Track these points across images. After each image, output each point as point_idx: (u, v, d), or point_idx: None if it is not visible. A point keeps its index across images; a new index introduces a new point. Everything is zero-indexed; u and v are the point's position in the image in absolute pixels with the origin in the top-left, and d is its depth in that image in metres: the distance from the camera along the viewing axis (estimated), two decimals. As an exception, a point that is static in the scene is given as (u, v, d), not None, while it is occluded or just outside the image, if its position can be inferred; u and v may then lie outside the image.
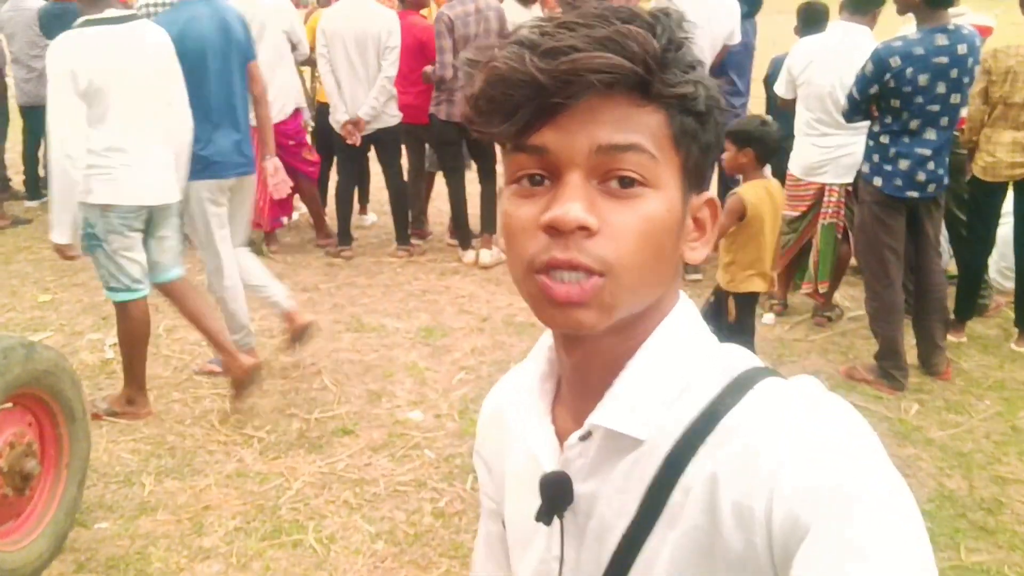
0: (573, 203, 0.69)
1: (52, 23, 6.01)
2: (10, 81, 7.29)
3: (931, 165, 3.83)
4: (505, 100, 0.70)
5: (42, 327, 4.88)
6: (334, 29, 5.54)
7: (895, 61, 3.71)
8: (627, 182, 0.70)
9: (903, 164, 3.84)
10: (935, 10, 3.72)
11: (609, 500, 0.77)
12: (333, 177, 6.47)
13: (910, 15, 3.94)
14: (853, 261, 5.06)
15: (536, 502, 0.82)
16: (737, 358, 0.78)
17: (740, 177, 3.90)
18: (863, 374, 4.23)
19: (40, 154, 7.34)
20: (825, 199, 4.64)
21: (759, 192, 3.63)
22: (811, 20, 5.20)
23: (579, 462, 0.79)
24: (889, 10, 4.46)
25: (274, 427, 3.87)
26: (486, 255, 5.90)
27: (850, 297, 5.28)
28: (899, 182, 3.87)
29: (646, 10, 0.72)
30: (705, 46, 5.04)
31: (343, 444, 3.74)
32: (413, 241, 6.23)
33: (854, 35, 4.45)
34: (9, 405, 2.84)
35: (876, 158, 3.93)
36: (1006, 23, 6.96)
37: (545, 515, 0.80)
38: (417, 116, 5.81)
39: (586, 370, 0.79)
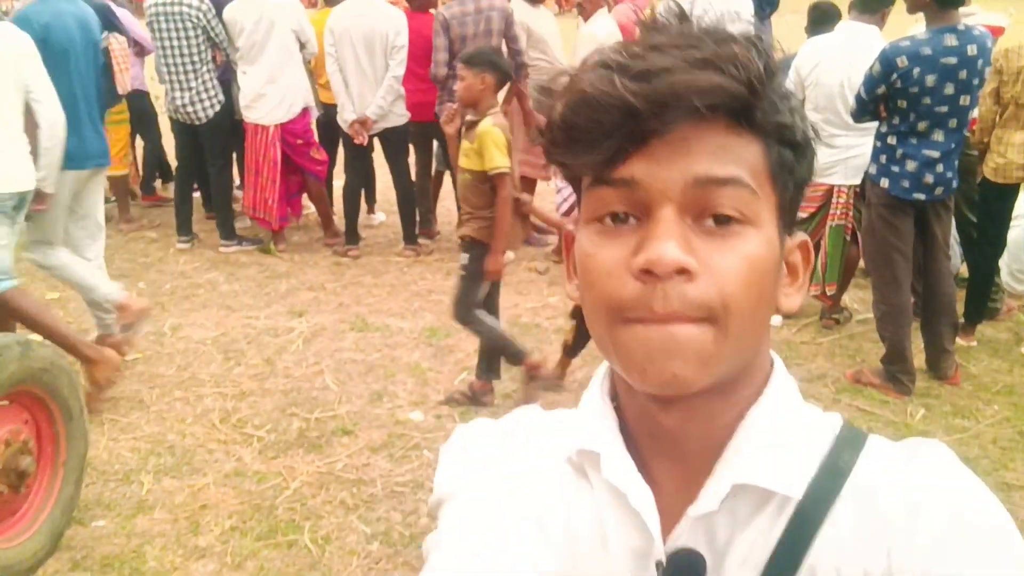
0: (668, 242, 0.62)
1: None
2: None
3: (939, 167, 3.77)
4: (591, 127, 0.64)
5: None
6: (342, 28, 5.54)
7: (902, 61, 3.66)
8: (724, 219, 0.64)
9: (910, 166, 3.79)
10: (945, 10, 3.66)
11: (735, 572, 0.69)
12: (338, 176, 6.49)
13: (920, 15, 3.89)
14: (862, 263, 5.02)
15: (628, 571, 0.72)
16: (821, 413, 0.75)
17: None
18: (870, 378, 4.18)
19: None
20: (834, 200, 4.59)
21: None
22: (820, 20, 5.14)
23: (692, 531, 0.69)
24: (899, 9, 4.41)
25: (274, 426, 3.87)
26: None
27: (858, 300, 5.23)
28: (906, 184, 3.82)
29: (739, 33, 0.66)
30: None
31: (342, 444, 3.73)
32: (420, 240, 6.22)
33: (862, 35, 4.39)
34: (5, 403, 2.84)
35: (883, 159, 3.88)
36: (1019, 22, 6.88)
37: None
38: (426, 114, 5.80)
39: (685, 433, 0.70)
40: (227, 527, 3.17)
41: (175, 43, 5.75)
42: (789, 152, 0.67)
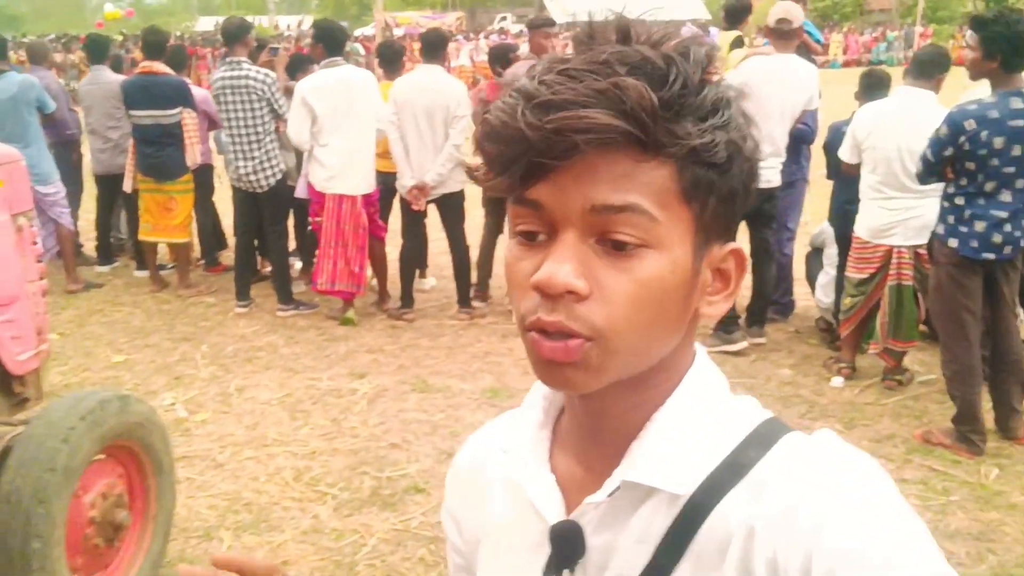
0: (562, 265, 0.66)
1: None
2: (85, 150, 7.62)
3: (1008, 227, 3.82)
4: (499, 154, 0.68)
5: (117, 387, 4.99)
6: (404, 99, 5.71)
7: (970, 124, 3.74)
8: (620, 245, 0.67)
9: (979, 226, 3.83)
10: (1010, 74, 3.75)
11: (626, 552, 0.74)
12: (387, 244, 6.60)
13: (981, 81, 3.98)
14: (922, 327, 5.02)
15: (533, 558, 0.79)
16: (750, 408, 0.78)
17: None
18: (940, 438, 4.16)
19: (112, 221, 7.64)
20: (894, 260, 4.63)
21: None
22: (873, 86, 5.25)
23: (591, 514, 0.76)
24: (953, 76, 4.50)
25: (346, 484, 3.91)
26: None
27: (919, 361, 5.21)
28: (975, 244, 3.86)
29: (661, 51, 0.67)
30: (774, 111, 5.10)
31: (416, 502, 3.76)
32: (475, 304, 6.30)
33: (918, 99, 4.49)
34: (102, 456, 2.91)
35: (951, 219, 3.93)
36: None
37: (555, 569, 0.77)
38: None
39: (602, 424, 0.77)
40: (310, 583, 3.19)
41: (240, 114, 5.96)
42: (707, 171, 0.68)
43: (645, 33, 0.69)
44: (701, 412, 0.75)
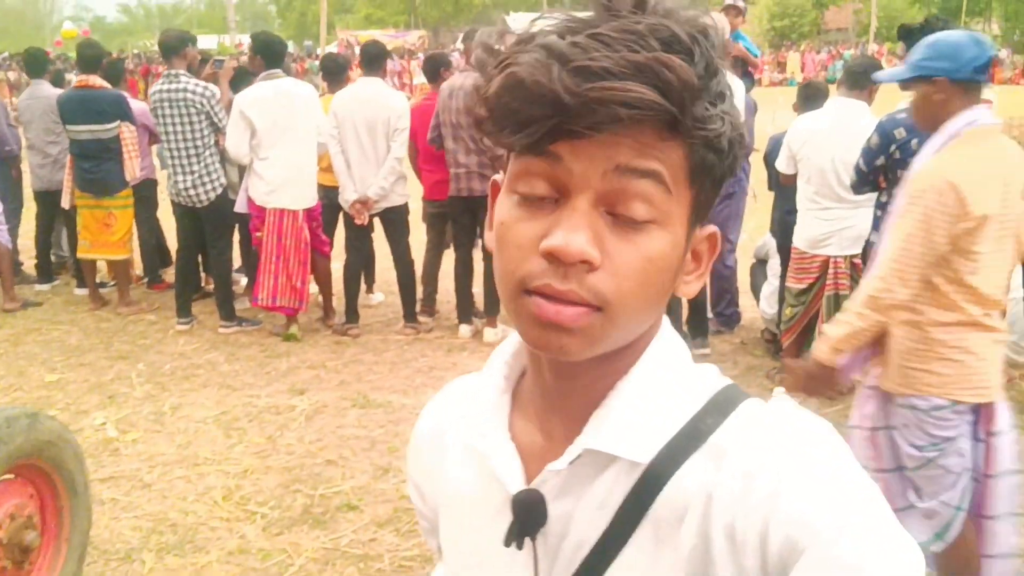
0: (578, 233, 0.65)
1: None
2: (24, 166, 7.47)
3: (939, 234, 3.84)
4: (521, 111, 0.65)
5: (47, 406, 4.85)
6: (345, 112, 5.66)
7: (900, 132, 3.77)
8: (633, 220, 0.67)
9: (912, 234, 3.85)
10: (939, 83, 3.79)
11: (587, 519, 0.75)
12: (334, 258, 6.53)
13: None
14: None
15: (493, 526, 0.79)
16: (711, 376, 0.78)
17: None
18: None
19: (52, 239, 7.48)
20: (830, 271, 4.66)
21: None
22: (811, 97, 5.29)
23: (553, 481, 0.76)
24: (891, 88, 4.53)
25: (277, 503, 3.82)
26: (491, 334, 5.88)
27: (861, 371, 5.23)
28: (908, 251, 3.88)
29: (686, 28, 0.66)
30: None
31: (348, 519, 3.68)
32: (421, 319, 6.24)
33: (850, 110, 4.53)
34: (10, 476, 2.81)
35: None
36: (1004, 100, 7.09)
37: (517, 537, 0.76)
38: (442, 193, 5.89)
39: (569, 391, 0.77)
40: (232, 604, 3.10)
41: (179, 128, 5.87)
42: (713, 155, 0.69)
43: (660, 3, 0.67)
44: (663, 381, 0.76)
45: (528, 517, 0.76)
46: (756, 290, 5.94)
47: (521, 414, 0.82)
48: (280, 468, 4.15)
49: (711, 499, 0.69)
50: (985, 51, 2.55)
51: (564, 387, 0.77)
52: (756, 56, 6.93)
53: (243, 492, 3.92)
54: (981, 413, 2.58)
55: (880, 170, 3.92)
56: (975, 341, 2.50)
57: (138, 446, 4.40)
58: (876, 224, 4.04)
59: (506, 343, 0.85)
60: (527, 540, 0.76)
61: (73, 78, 7.61)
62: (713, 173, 0.71)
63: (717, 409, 0.74)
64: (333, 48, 33.88)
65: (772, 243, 5.61)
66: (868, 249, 4.19)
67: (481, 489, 0.82)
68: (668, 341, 0.78)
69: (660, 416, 0.74)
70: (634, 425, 0.73)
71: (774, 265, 5.59)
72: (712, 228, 0.77)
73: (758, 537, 0.65)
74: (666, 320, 0.79)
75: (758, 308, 5.88)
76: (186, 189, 5.96)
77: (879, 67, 4.68)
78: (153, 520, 3.69)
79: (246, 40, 46.00)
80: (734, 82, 5.36)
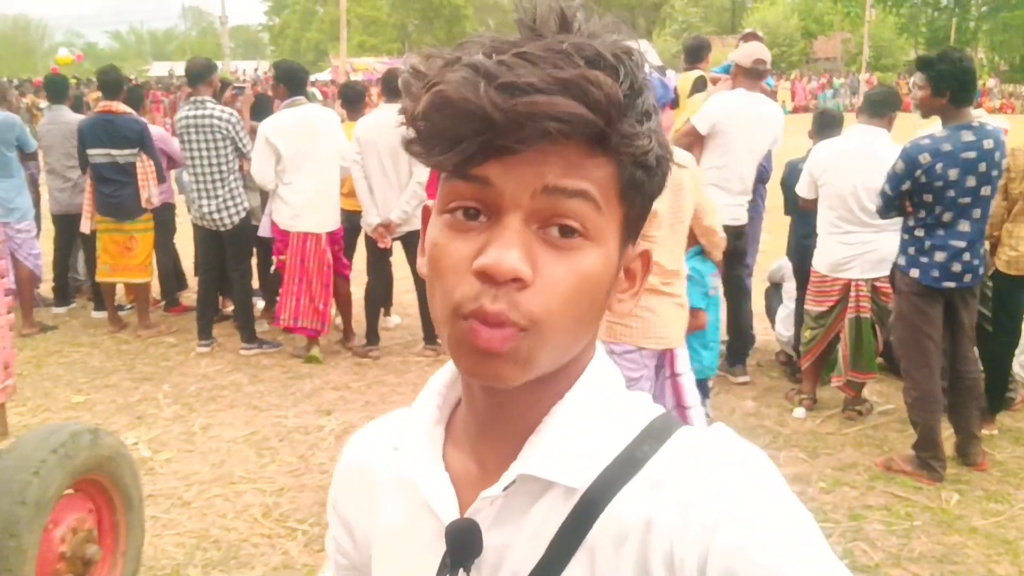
0: (510, 251, 0.65)
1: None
2: (43, 190, 7.52)
3: (966, 256, 3.96)
4: (449, 129, 0.65)
5: (77, 426, 4.88)
6: (368, 137, 5.76)
7: (925, 158, 3.89)
8: (568, 232, 0.67)
9: (939, 256, 3.97)
10: (959, 109, 3.92)
11: (522, 548, 0.74)
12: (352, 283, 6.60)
13: (932, 119, 4.15)
14: (879, 359, 5.14)
15: (427, 558, 0.78)
16: (645, 403, 0.79)
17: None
18: (901, 465, 4.25)
19: (70, 262, 7.53)
20: (852, 294, 4.76)
21: None
22: (826, 125, 5.43)
23: (487, 510, 0.74)
24: (900, 120, 4.67)
25: (316, 520, 3.87)
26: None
27: (877, 392, 5.34)
28: (936, 273, 4.00)
29: (610, 48, 0.66)
30: (742, 150, 5.22)
31: (388, 537, 3.72)
32: (440, 340, 6.28)
33: (872, 137, 4.65)
34: (72, 491, 2.86)
35: (912, 251, 4.06)
36: (1019, 129, 7.24)
37: (451, 569, 0.75)
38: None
39: (503, 418, 0.76)
40: (283, 619, 3.15)
41: (204, 152, 5.95)
42: (642, 172, 0.69)
43: (584, 25, 0.68)
44: (598, 407, 0.75)
45: (462, 547, 0.74)
46: (771, 313, 6.04)
47: (455, 445, 0.81)
48: (315, 486, 4.20)
49: (650, 527, 0.68)
50: None
51: (497, 414, 0.76)
52: (770, 88, 7.06)
53: (281, 510, 3.96)
54: (666, 357, 3.40)
55: (906, 194, 4.03)
56: (656, 303, 3.28)
57: (172, 465, 4.44)
58: (904, 248, 4.16)
59: (440, 373, 0.85)
60: (460, 572, 0.75)
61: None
62: (643, 190, 0.71)
63: (653, 436, 0.74)
64: (326, 76, 34.06)
65: (788, 266, 5.72)
66: (895, 272, 4.31)
67: (414, 521, 0.81)
68: (603, 366, 0.78)
69: (596, 442, 0.73)
70: (570, 451, 0.73)
71: (789, 288, 5.69)
72: (645, 246, 0.78)
73: (697, 567, 0.65)
74: (600, 345, 0.80)
75: (773, 331, 5.97)
76: (210, 213, 6.03)
77: (899, 97, 4.82)
78: (196, 537, 3.73)
79: (241, 66, 46.17)
80: (773, 108, 5.44)
